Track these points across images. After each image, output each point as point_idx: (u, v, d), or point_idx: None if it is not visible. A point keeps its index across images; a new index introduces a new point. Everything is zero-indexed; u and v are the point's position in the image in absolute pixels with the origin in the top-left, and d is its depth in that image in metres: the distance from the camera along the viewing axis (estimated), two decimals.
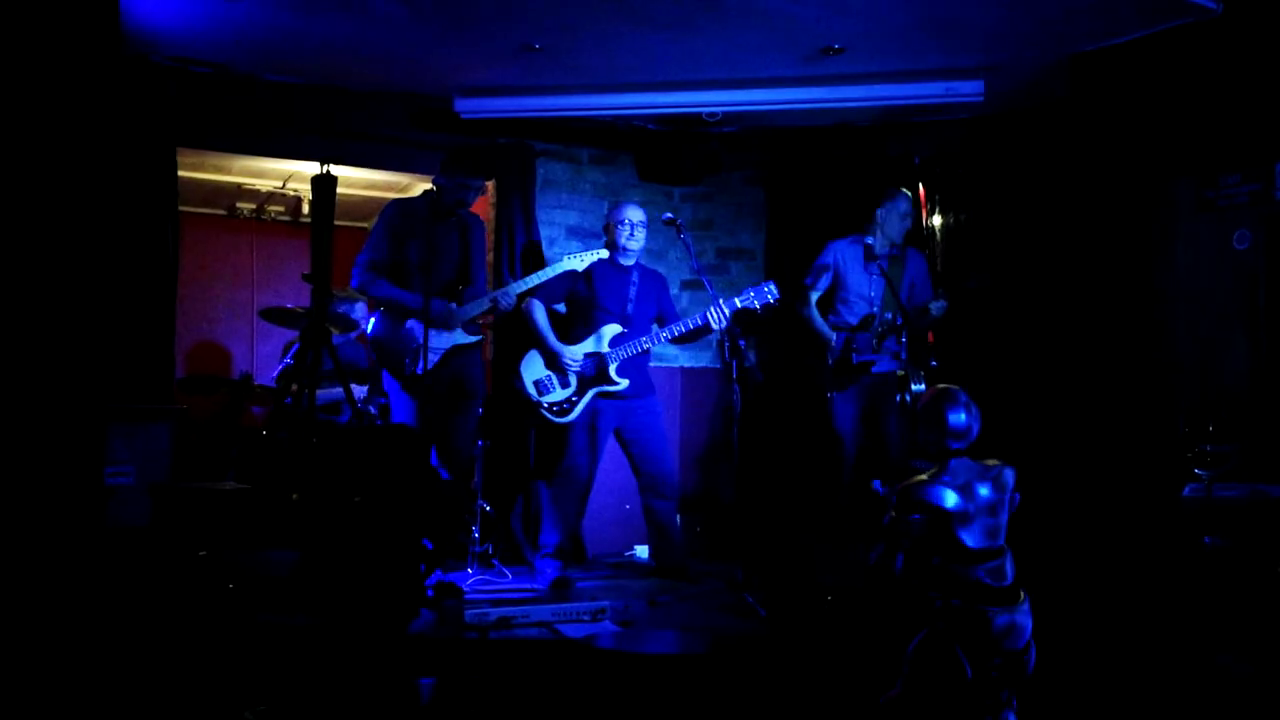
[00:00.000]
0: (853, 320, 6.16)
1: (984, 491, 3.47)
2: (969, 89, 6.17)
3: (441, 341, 5.70)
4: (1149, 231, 5.88)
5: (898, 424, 6.03)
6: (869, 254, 6.09)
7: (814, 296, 6.28)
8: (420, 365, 5.52)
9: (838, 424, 6.11)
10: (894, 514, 3.51)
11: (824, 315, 6.26)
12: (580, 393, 5.81)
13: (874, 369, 6.05)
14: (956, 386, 3.61)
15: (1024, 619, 3.44)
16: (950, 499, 3.44)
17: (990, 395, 6.04)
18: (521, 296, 5.86)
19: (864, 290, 6.18)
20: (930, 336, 6.22)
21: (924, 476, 3.53)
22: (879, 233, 6.17)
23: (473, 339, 5.84)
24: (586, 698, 4.04)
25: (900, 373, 5.87)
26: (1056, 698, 4.00)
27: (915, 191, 6.89)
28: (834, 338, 6.14)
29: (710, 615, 5.09)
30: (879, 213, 6.18)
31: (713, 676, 3.98)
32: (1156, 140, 5.76)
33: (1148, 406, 5.69)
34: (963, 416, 3.53)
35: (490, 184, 6.92)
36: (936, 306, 5.97)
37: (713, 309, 5.61)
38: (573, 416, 5.80)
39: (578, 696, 4.07)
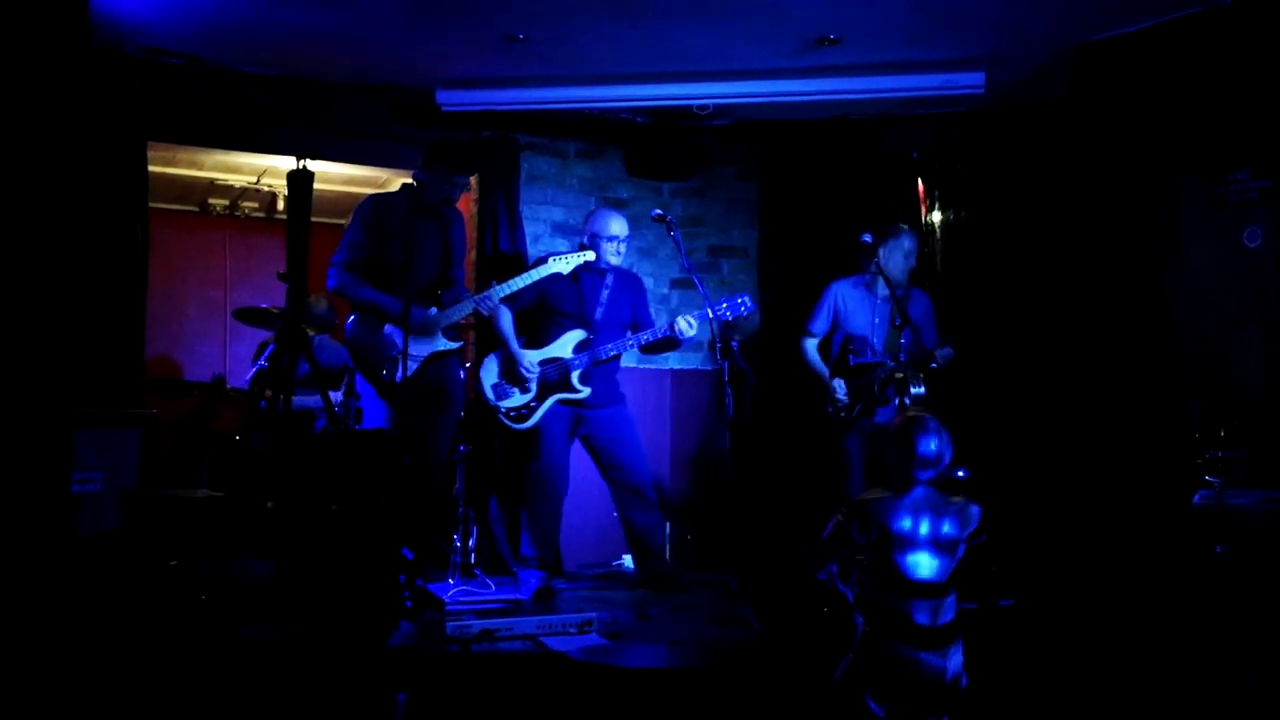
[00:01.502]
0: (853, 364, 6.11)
1: (945, 528, 3.43)
2: (969, 81, 6.16)
3: (421, 348, 5.63)
4: (1156, 229, 5.86)
5: None
6: (892, 294, 5.83)
7: (812, 342, 6.23)
8: (400, 373, 5.45)
9: (845, 460, 6.05)
10: (840, 520, 3.48)
11: (826, 360, 6.21)
12: (540, 399, 5.80)
13: (877, 419, 5.94)
14: (929, 414, 3.58)
15: (948, 663, 3.37)
16: (904, 523, 3.41)
17: (993, 398, 6.05)
18: (505, 301, 5.82)
19: (866, 333, 6.11)
20: None
21: (883, 493, 3.50)
22: (883, 272, 5.95)
23: (453, 345, 5.79)
24: (572, 714, 4.02)
25: (899, 375, 5.82)
26: (1066, 709, 4.00)
27: (913, 186, 6.88)
28: (840, 390, 6.01)
29: (702, 627, 5.06)
30: (880, 252, 5.97)
31: (705, 691, 3.97)
32: (1163, 134, 5.74)
33: (1156, 411, 5.68)
34: (933, 445, 3.49)
35: (473, 179, 6.86)
36: (943, 355, 5.77)
37: (681, 319, 5.67)
38: (530, 423, 5.80)
39: (563, 713, 4.05)
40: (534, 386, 5.80)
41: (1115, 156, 5.93)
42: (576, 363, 5.80)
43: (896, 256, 6.04)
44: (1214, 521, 4.72)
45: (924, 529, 3.40)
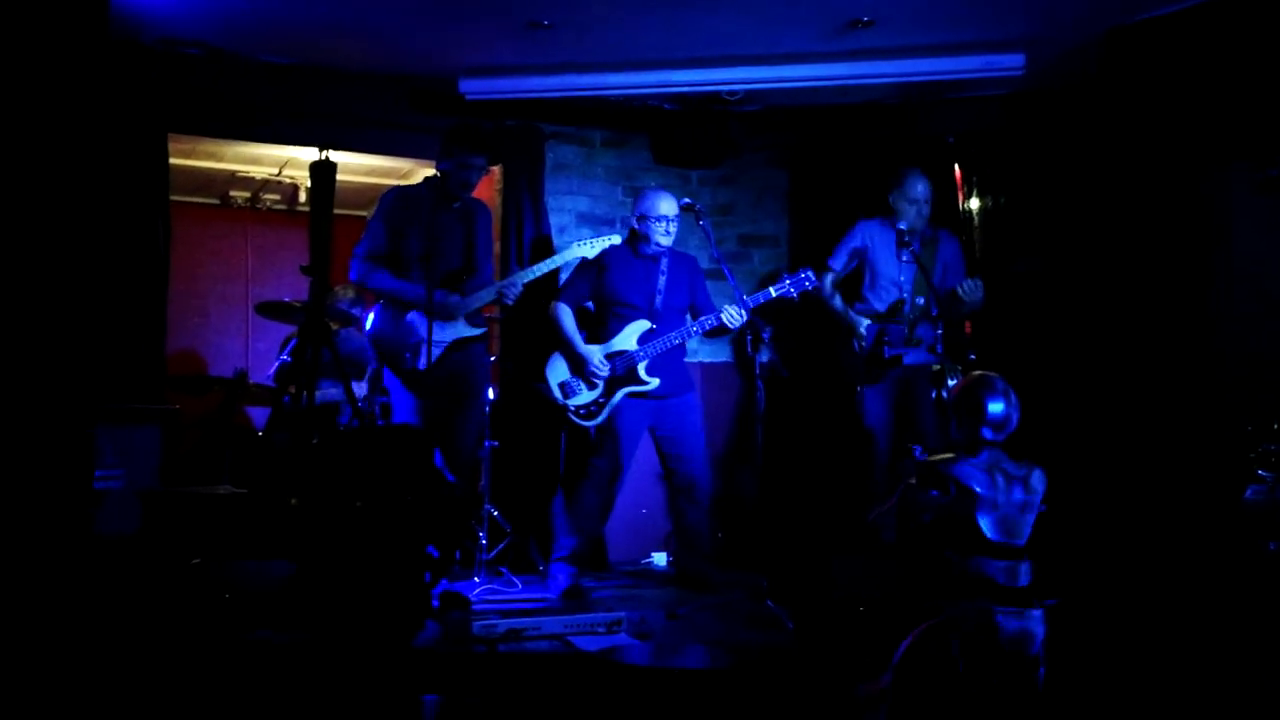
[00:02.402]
0: (880, 307, 6.07)
1: (1016, 492, 3.42)
2: (1009, 63, 6.11)
3: (444, 334, 5.63)
4: (1203, 214, 5.79)
5: (934, 420, 5.96)
6: (900, 240, 5.91)
7: (830, 278, 6.18)
8: (422, 360, 5.49)
9: (868, 420, 6.03)
10: (911, 484, 3.47)
11: (849, 301, 6.19)
12: (608, 394, 5.77)
13: (906, 360, 5.96)
14: (994, 373, 3.56)
15: (1035, 626, 3.37)
16: (977, 479, 3.40)
17: (1034, 388, 6.00)
18: (529, 286, 5.79)
19: (894, 275, 6.09)
20: (968, 327, 6.16)
21: (950, 454, 3.48)
22: (903, 218, 6.02)
23: (477, 331, 5.78)
24: (601, 715, 4.02)
25: (936, 366, 5.80)
26: (1107, 710, 3.97)
27: (950, 172, 6.83)
28: (863, 325, 6.05)
29: (733, 627, 5.05)
30: (891, 198, 6.07)
31: (737, 694, 3.96)
32: (1211, 116, 5.67)
33: (1206, 402, 5.62)
34: (1001, 405, 3.48)
35: (497, 169, 6.88)
36: (969, 288, 5.72)
37: (727, 310, 5.62)
38: (601, 419, 5.77)
39: (591, 714, 4.05)
40: (601, 382, 5.78)
41: (1161, 139, 5.86)
42: (642, 354, 5.76)
43: (903, 205, 6.03)
44: (1267, 518, 4.67)
45: (999, 490, 3.40)
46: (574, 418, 5.79)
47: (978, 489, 3.39)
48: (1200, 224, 5.79)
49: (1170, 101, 5.79)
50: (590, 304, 6.00)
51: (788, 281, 5.68)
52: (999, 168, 6.88)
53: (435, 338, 5.53)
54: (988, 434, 3.48)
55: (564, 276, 6.05)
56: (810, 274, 5.70)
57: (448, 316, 5.64)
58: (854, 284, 6.24)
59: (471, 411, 5.82)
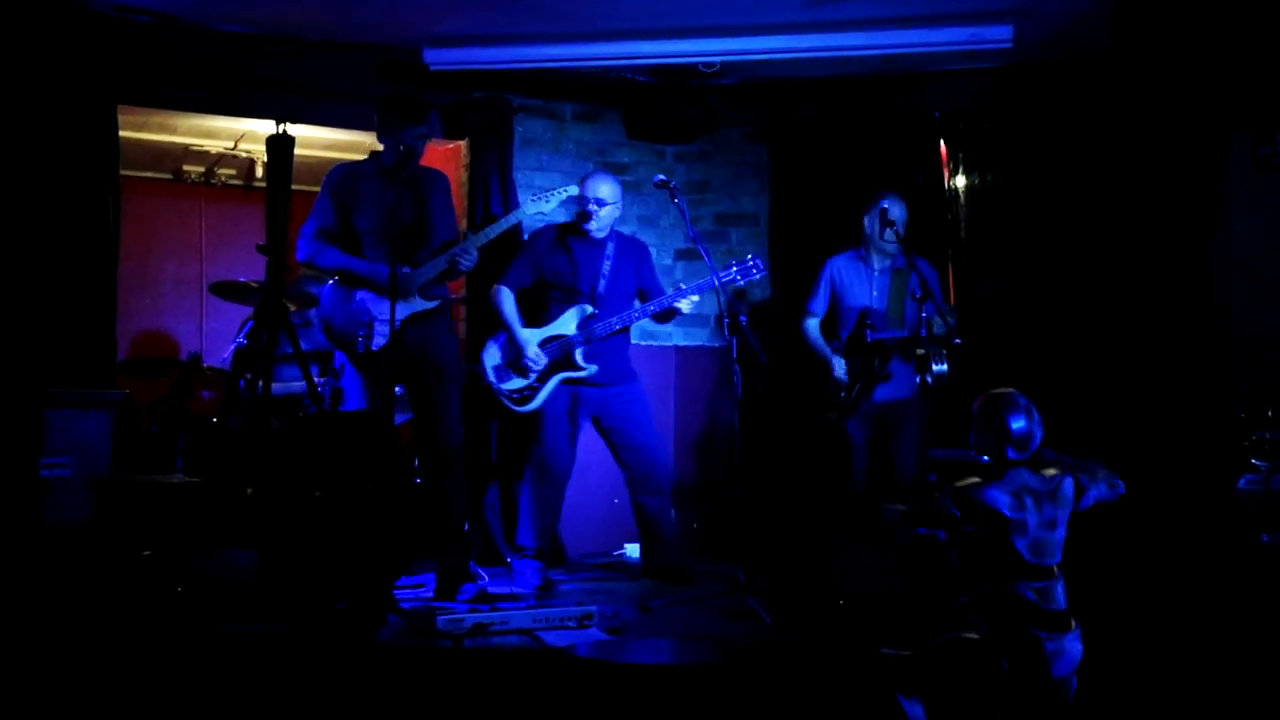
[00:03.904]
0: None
1: (1047, 509, 3.47)
2: (997, 35, 6.11)
3: (396, 311, 5.43)
4: (1200, 194, 5.82)
5: (913, 448, 5.98)
6: (884, 219, 5.93)
7: (812, 322, 6.23)
8: (376, 340, 5.39)
9: (845, 427, 6.09)
10: (941, 500, 3.50)
11: (828, 339, 6.21)
12: (542, 380, 5.78)
13: (879, 396, 5.97)
14: (1014, 390, 3.60)
15: (1073, 645, 3.45)
16: (1008, 504, 3.45)
17: (1024, 377, 6.03)
18: (483, 250, 5.63)
19: (867, 307, 6.09)
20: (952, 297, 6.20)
21: (977, 479, 3.52)
22: (872, 245, 6.08)
23: (431, 304, 5.54)
24: (571, 713, 4.03)
25: (920, 352, 5.80)
26: (1106, 707, 4.00)
27: (936, 148, 6.85)
28: (834, 361, 6.07)
29: (709, 621, 5.07)
30: (865, 222, 6.09)
31: (712, 690, 3.97)
32: (1208, 92, 5.70)
33: (1199, 389, 5.66)
34: (1023, 423, 3.53)
35: (463, 144, 6.88)
36: (939, 325, 5.70)
37: (680, 295, 5.69)
38: (533, 405, 5.78)
39: (561, 712, 4.06)
40: (537, 368, 5.80)
41: (1156, 116, 5.89)
42: (579, 339, 5.78)
43: (878, 227, 6.03)
44: (1261, 508, 4.71)
45: (1028, 512, 3.44)
46: (507, 402, 5.81)
47: (1006, 513, 3.44)
48: (1197, 204, 5.82)
49: (1170, 72, 5.80)
50: (528, 289, 5.99)
51: (734, 268, 5.73)
52: (987, 144, 6.89)
53: (385, 317, 5.36)
54: (1011, 454, 3.52)
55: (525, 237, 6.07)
56: (759, 262, 5.77)
57: (401, 293, 5.50)
58: (831, 322, 6.26)
59: (442, 390, 5.61)
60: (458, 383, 5.73)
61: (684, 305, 5.74)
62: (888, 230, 5.94)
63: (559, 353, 5.78)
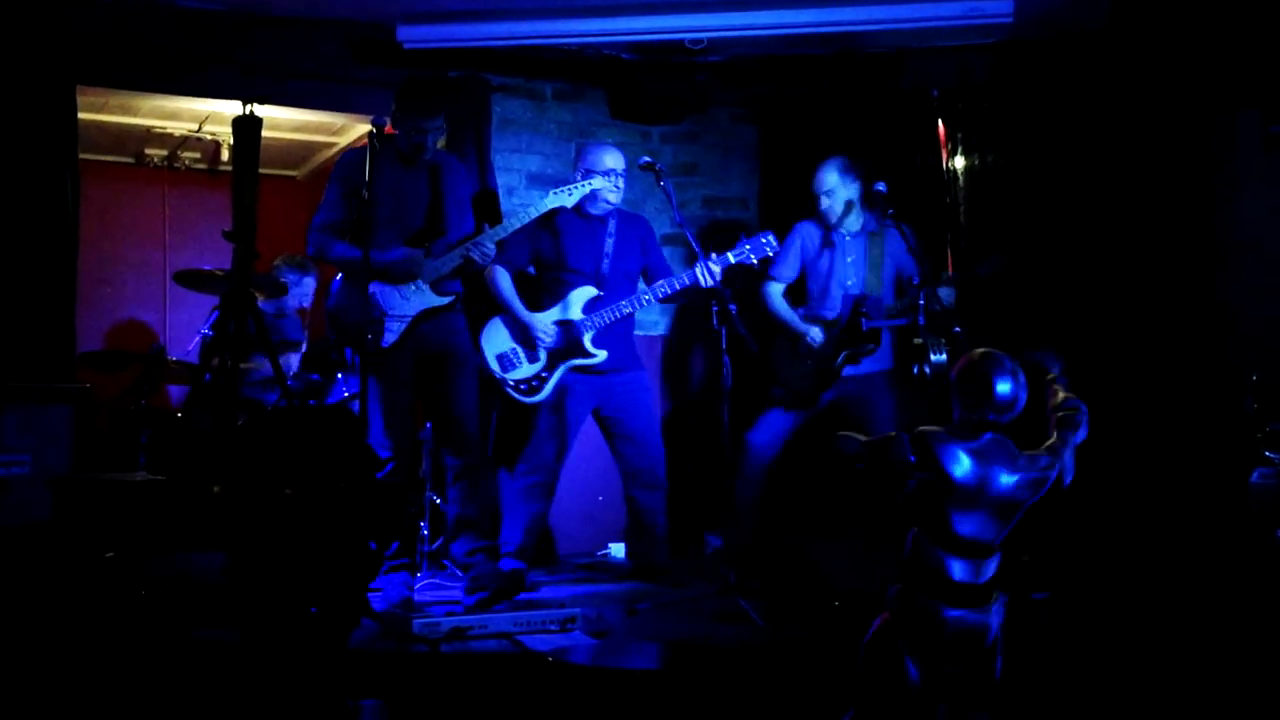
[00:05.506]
0: (829, 314, 6.05)
1: (1011, 484, 3.37)
2: (996, 8, 6.10)
3: (407, 308, 5.44)
4: (1207, 174, 5.82)
5: (889, 424, 5.95)
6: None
7: (775, 286, 6.17)
8: (386, 337, 5.34)
9: (752, 434, 6.11)
10: (898, 439, 3.41)
11: (796, 308, 6.17)
12: (550, 368, 5.71)
13: (851, 371, 5.95)
14: (1001, 351, 3.53)
15: (990, 619, 3.36)
16: (962, 465, 3.35)
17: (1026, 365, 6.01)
18: (500, 246, 5.58)
19: (840, 275, 6.08)
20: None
21: (942, 428, 3.44)
22: (832, 213, 6.04)
23: (445, 300, 5.53)
24: None
25: (917, 340, 5.78)
26: (1110, 704, 4.00)
27: (934, 128, 6.84)
28: (810, 331, 6.02)
29: (698, 624, 5.04)
30: (822, 200, 6.07)
31: (702, 696, 3.96)
32: (1215, 68, 5.69)
33: (1209, 380, 5.66)
34: (1009, 385, 3.42)
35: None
36: (945, 294, 5.71)
37: (701, 266, 5.48)
38: (543, 395, 5.71)
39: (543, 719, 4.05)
40: (543, 354, 5.71)
41: (1162, 93, 5.88)
42: (588, 324, 5.71)
43: (822, 197, 6.03)
44: (1274, 503, 4.71)
45: (988, 483, 3.34)
46: (512, 393, 5.72)
47: (956, 476, 3.34)
48: (1204, 185, 5.81)
49: (1174, 46, 5.79)
50: (531, 269, 5.92)
51: (746, 246, 5.64)
52: (987, 123, 6.88)
53: (398, 311, 5.38)
54: (992, 417, 3.44)
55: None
56: (771, 237, 5.68)
57: (409, 275, 5.46)
58: (799, 290, 6.22)
59: (463, 385, 5.58)
60: (474, 376, 5.68)
61: (703, 278, 5.51)
62: (829, 200, 5.97)
63: (567, 339, 5.70)
